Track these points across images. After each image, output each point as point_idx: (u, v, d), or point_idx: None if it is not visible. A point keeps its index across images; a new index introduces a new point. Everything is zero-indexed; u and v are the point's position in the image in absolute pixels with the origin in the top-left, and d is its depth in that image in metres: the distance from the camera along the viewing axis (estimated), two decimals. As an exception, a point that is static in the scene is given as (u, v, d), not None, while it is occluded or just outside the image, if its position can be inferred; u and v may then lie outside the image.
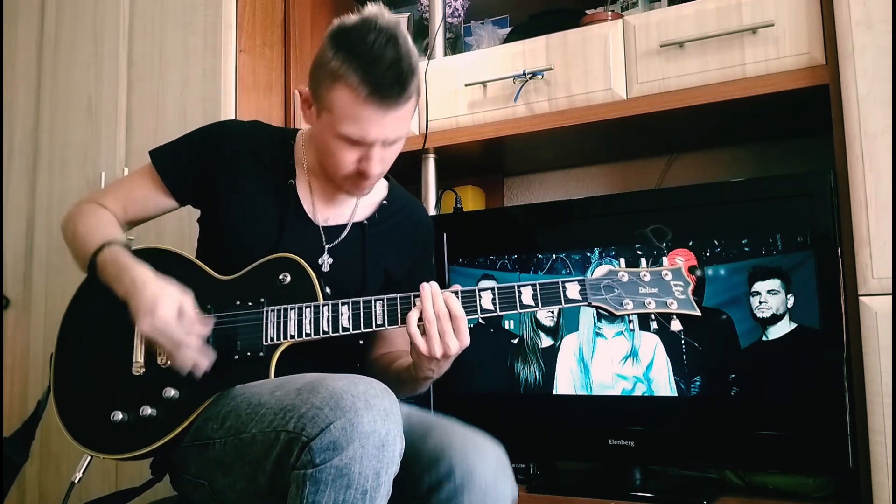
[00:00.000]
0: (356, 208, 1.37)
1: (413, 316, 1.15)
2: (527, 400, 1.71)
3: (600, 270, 1.20)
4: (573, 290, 1.18)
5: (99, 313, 1.30)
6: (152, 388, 1.21)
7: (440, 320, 1.15)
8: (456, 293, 1.17)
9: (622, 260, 1.23)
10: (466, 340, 1.16)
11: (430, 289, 1.16)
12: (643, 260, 1.22)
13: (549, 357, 1.69)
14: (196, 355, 1.17)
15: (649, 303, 1.18)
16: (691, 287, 1.19)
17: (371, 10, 1.20)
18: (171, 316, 1.14)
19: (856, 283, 1.38)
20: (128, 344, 1.24)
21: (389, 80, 1.15)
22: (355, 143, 1.21)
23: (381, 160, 1.24)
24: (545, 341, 1.70)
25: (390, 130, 1.20)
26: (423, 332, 1.15)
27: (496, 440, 1.18)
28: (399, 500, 1.04)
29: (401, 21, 1.21)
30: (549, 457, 1.76)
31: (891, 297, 1.34)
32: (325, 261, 1.32)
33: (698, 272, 1.54)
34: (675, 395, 1.56)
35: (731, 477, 1.61)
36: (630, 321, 1.60)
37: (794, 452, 1.45)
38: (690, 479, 1.67)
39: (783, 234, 1.49)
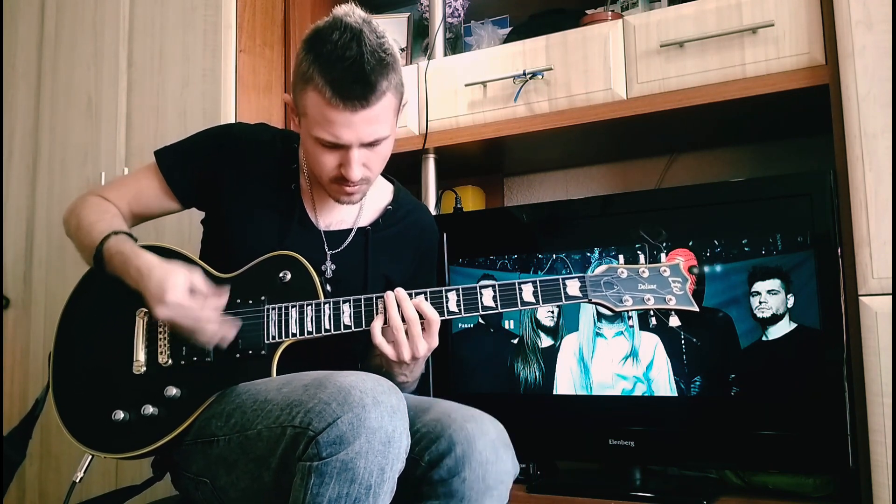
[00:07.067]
0: (360, 213, 1.36)
1: (377, 324, 1.16)
2: (527, 400, 1.71)
3: (600, 269, 1.21)
4: (573, 287, 1.19)
5: (97, 311, 1.30)
6: (154, 387, 1.21)
7: (410, 324, 1.15)
8: (423, 294, 1.17)
9: (621, 257, 1.23)
10: (435, 342, 1.17)
11: (394, 296, 1.17)
12: (642, 257, 1.23)
13: (549, 357, 1.69)
14: (218, 327, 1.17)
15: (648, 299, 1.18)
16: (689, 283, 1.20)
17: (340, 9, 1.17)
18: (182, 296, 1.14)
19: (856, 283, 1.38)
20: (128, 342, 1.24)
21: (350, 79, 1.12)
22: (332, 147, 1.18)
23: (364, 164, 1.20)
24: (545, 341, 1.70)
25: (364, 132, 1.16)
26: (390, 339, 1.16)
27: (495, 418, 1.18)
28: (399, 477, 1.04)
29: (371, 18, 1.18)
30: (549, 457, 1.75)
31: (891, 297, 1.34)
32: (329, 267, 1.31)
33: (696, 271, 1.54)
34: (675, 395, 1.56)
35: (731, 477, 1.61)
36: (629, 317, 1.61)
37: (794, 452, 1.45)
38: (690, 479, 1.67)
39: (783, 234, 1.49)
